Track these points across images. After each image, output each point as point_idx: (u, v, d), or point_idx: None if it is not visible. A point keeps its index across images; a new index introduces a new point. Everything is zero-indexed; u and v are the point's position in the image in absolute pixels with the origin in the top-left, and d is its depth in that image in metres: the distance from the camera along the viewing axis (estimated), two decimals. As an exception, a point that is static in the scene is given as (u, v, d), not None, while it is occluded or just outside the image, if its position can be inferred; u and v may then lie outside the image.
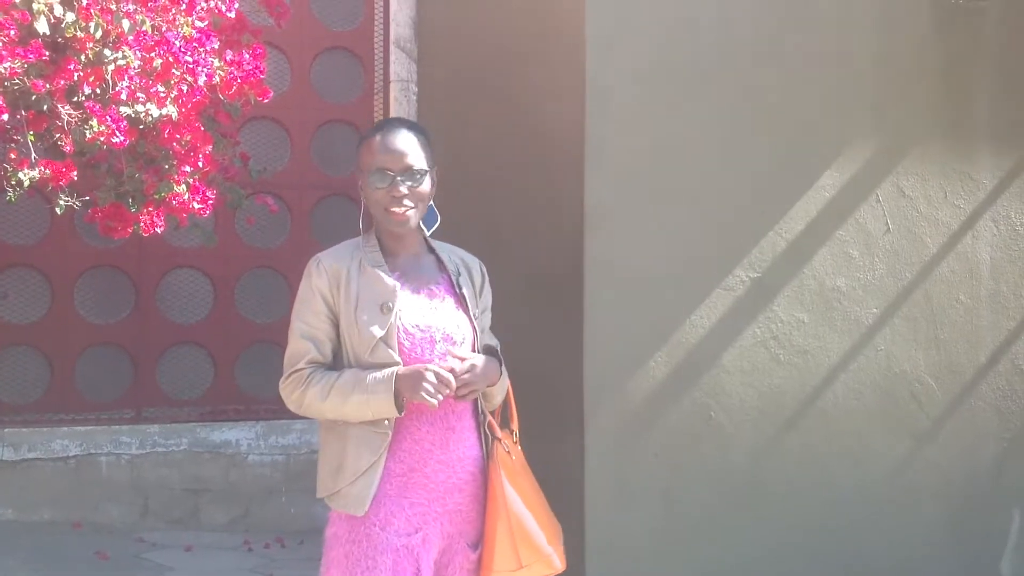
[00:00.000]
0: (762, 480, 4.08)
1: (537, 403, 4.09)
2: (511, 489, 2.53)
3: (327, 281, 2.53)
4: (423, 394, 2.40)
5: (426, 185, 2.55)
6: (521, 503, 2.54)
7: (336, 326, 2.54)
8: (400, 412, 2.46)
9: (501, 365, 2.64)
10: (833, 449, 4.15)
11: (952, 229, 4.29)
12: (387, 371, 2.45)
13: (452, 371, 2.47)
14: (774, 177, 4.11)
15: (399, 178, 2.51)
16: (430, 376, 2.41)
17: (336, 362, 2.56)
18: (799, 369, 4.12)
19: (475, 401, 2.62)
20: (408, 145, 2.55)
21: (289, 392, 2.55)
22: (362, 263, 2.55)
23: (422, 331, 2.52)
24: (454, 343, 2.54)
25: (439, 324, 2.54)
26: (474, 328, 2.60)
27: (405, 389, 2.43)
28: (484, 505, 2.57)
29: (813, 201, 4.13)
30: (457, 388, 2.46)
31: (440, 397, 2.42)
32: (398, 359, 2.48)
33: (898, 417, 4.23)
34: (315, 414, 2.53)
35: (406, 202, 2.52)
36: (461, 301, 2.61)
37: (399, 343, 2.49)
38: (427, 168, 2.56)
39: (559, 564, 2.60)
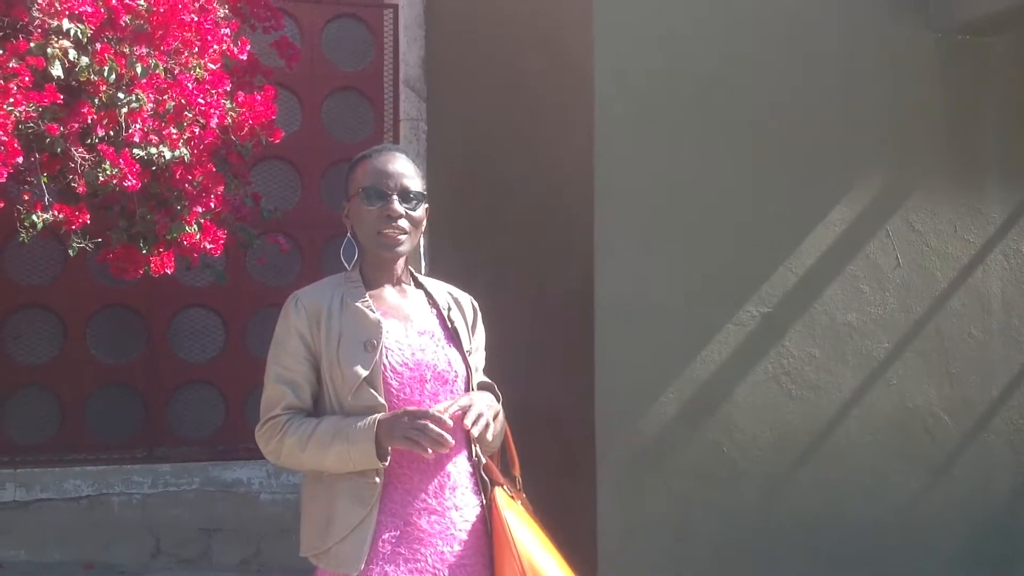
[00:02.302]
0: (775, 515, 4.05)
1: (548, 439, 4.09)
2: (519, 531, 2.29)
3: (306, 320, 2.32)
4: (402, 434, 2.19)
5: (421, 211, 2.39)
6: (533, 545, 2.30)
7: (316, 368, 2.32)
8: (384, 462, 2.24)
9: (499, 401, 2.44)
10: (846, 484, 4.13)
11: (962, 263, 4.29)
12: (369, 419, 2.22)
13: (442, 419, 2.22)
14: (784, 212, 4.12)
15: (395, 196, 2.35)
16: (406, 419, 2.19)
17: (318, 407, 2.35)
18: (811, 404, 4.11)
19: (468, 446, 2.39)
20: (405, 168, 2.40)
21: (265, 442, 2.34)
22: (344, 299, 2.35)
23: (411, 370, 2.31)
24: (446, 382, 2.34)
25: (429, 362, 2.33)
26: (467, 365, 2.39)
27: (385, 435, 2.20)
28: (490, 557, 2.34)
29: (823, 236, 4.13)
30: (467, 422, 2.25)
31: (428, 441, 2.18)
32: (382, 402, 2.27)
33: (911, 452, 4.21)
34: (294, 465, 2.32)
35: (401, 223, 2.35)
36: (453, 336, 2.40)
37: (385, 383, 2.28)
38: (424, 193, 2.40)
39: None
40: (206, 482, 5.93)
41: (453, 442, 2.22)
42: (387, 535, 2.27)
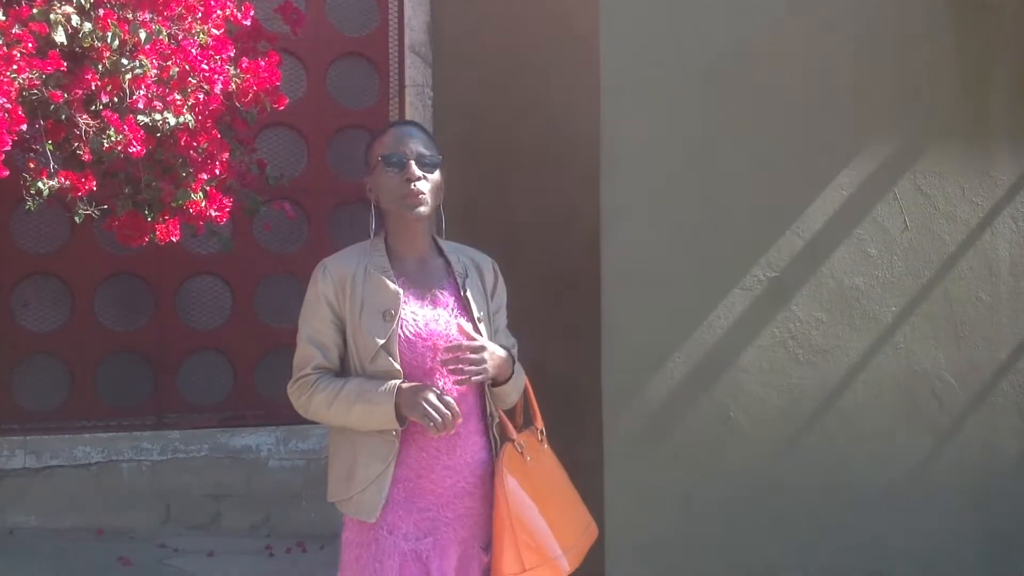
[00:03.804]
0: (783, 481, 4.07)
1: (556, 406, 4.09)
2: (516, 491, 2.51)
3: (333, 287, 2.55)
4: (420, 412, 2.40)
5: (437, 175, 2.59)
6: (527, 505, 2.53)
7: (342, 332, 2.55)
8: (402, 425, 2.47)
9: (514, 363, 2.62)
10: (854, 449, 4.14)
11: (970, 226, 4.27)
12: (390, 383, 2.45)
13: (461, 348, 2.45)
14: (791, 176, 4.10)
15: (412, 162, 2.54)
16: (431, 396, 2.41)
17: (344, 366, 2.58)
18: (818, 368, 4.11)
19: (482, 406, 2.61)
20: (419, 136, 2.62)
21: (296, 396, 2.58)
22: (368, 268, 2.56)
23: (423, 340, 2.52)
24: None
25: (442, 331, 2.53)
26: (479, 333, 2.57)
27: (404, 404, 2.43)
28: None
29: (830, 199, 4.12)
30: (463, 366, 2.43)
31: (439, 423, 2.40)
32: (398, 367, 2.48)
33: (919, 416, 4.21)
34: (321, 419, 2.55)
35: (420, 185, 2.54)
36: (465, 307, 2.60)
37: (401, 351, 2.49)
38: (438, 158, 2.60)
39: (566, 567, 2.59)
40: (215, 449, 5.97)
41: (454, 430, 2.45)
42: (401, 486, 2.51)
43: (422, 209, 2.55)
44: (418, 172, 2.53)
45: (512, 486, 2.51)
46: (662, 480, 3.96)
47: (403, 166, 2.54)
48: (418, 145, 2.58)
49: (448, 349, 2.45)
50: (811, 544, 4.09)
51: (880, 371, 4.17)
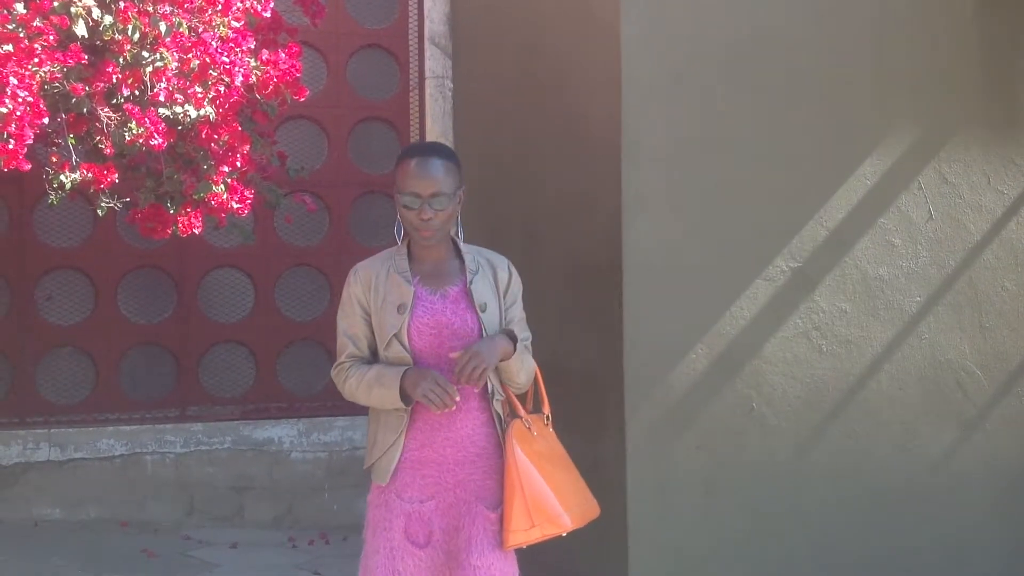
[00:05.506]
0: (805, 472, 4.05)
1: (578, 397, 4.09)
2: (523, 458, 2.86)
3: (361, 287, 2.95)
4: (420, 392, 2.76)
5: (450, 209, 2.90)
6: (534, 470, 2.87)
7: (371, 324, 2.94)
8: (407, 405, 2.83)
9: (516, 345, 2.91)
10: (878, 440, 4.12)
11: (996, 215, 4.24)
12: (399, 369, 2.84)
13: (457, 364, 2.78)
14: (814, 166, 4.07)
15: (427, 204, 2.85)
16: (430, 379, 2.77)
17: (374, 354, 2.96)
18: (842, 359, 4.09)
19: (483, 386, 2.90)
20: (438, 172, 2.88)
21: (335, 381, 2.98)
22: (390, 270, 2.94)
23: (431, 329, 2.88)
24: (462, 338, 2.88)
25: (448, 323, 2.90)
26: (481, 325, 2.90)
27: (408, 387, 2.81)
28: (502, 474, 2.89)
29: (854, 189, 4.09)
30: (466, 374, 2.76)
31: (437, 401, 2.74)
32: (407, 353, 2.87)
33: (943, 406, 4.19)
34: (355, 400, 2.95)
35: (432, 223, 2.87)
36: (471, 302, 2.93)
37: (411, 339, 2.88)
38: (452, 193, 2.89)
39: (568, 523, 2.88)
40: (238, 441, 5.99)
41: (454, 407, 2.80)
42: (410, 455, 2.90)
43: (432, 241, 2.91)
44: (431, 213, 2.85)
45: (519, 454, 2.87)
46: (684, 470, 3.95)
47: (418, 207, 2.85)
48: (435, 184, 2.85)
49: (456, 367, 2.78)
50: (834, 535, 4.07)
51: (904, 362, 4.14)
